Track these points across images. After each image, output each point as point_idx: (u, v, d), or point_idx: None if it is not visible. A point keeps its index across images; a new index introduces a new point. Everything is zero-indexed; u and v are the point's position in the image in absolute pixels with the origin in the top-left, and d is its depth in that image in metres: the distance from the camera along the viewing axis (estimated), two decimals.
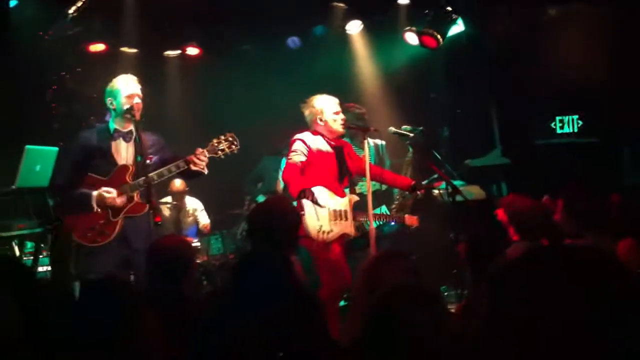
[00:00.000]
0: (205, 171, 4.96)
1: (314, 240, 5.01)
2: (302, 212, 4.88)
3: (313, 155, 5.22)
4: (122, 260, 4.81)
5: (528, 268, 2.26)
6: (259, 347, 2.54)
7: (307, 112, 5.37)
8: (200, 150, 4.90)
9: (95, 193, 4.79)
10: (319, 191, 5.09)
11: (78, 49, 7.63)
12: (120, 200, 4.81)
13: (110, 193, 4.79)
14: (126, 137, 4.96)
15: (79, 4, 6.39)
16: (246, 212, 7.02)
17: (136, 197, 4.88)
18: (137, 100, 4.90)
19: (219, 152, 4.97)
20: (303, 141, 5.22)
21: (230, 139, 5.02)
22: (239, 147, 5.03)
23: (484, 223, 4.32)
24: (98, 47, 7.73)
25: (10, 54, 6.87)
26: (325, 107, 5.32)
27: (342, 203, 5.27)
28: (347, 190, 5.42)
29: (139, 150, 4.84)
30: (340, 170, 5.34)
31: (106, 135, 4.96)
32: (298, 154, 5.17)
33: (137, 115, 4.88)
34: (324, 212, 5.07)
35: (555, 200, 4.05)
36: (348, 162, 5.41)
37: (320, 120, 5.29)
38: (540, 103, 7.04)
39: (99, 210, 4.81)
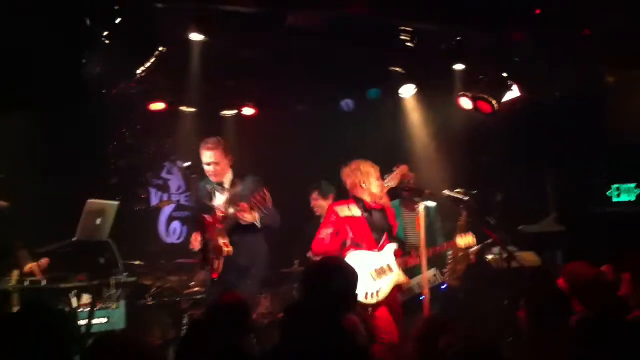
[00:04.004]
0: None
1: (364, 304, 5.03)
2: None
3: (341, 223, 5.38)
4: None
5: (595, 340, 2.23)
6: None
7: (347, 178, 5.57)
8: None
9: None
10: (352, 257, 5.17)
11: (139, 106, 7.87)
12: None
13: None
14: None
15: (148, 64, 6.61)
16: (296, 271, 7.03)
17: None
18: (207, 168, 5.79)
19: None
20: (334, 212, 5.41)
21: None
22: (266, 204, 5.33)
23: (545, 291, 4.24)
24: (158, 105, 7.96)
25: (76, 109, 7.13)
26: (366, 173, 5.50)
27: (383, 257, 5.33)
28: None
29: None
30: (377, 230, 5.44)
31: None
32: (327, 228, 5.37)
33: (214, 179, 5.81)
34: (364, 275, 5.10)
35: (619, 271, 3.97)
36: (390, 221, 5.51)
37: (362, 185, 5.46)
38: (597, 170, 6.96)
39: None
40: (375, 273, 5.26)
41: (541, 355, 3.33)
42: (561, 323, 3.32)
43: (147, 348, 2.90)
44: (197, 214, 5.87)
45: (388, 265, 5.33)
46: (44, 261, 5.38)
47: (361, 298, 5.05)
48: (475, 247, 5.87)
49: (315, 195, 7.11)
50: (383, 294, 5.23)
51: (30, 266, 5.32)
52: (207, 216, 5.73)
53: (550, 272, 4.47)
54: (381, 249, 5.39)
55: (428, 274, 5.54)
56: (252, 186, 5.69)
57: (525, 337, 3.94)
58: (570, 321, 3.45)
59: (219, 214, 5.67)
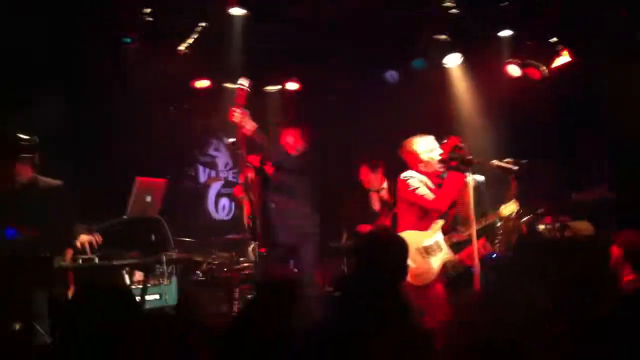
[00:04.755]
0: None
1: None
2: None
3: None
4: None
5: None
6: None
7: (406, 157, 5.50)
8: None
9: None
10: (408, 235, 5.09)
11: (184, 84, 7.91)
12: None
13: None
14: None
15: (190, 40, 6.63)
16: (343, 245, 7.02)
17: None
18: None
19: None
20: (416, 178, 5.34)
21: None
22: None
23: (594, 261, 4.15)
24: (203, 83, 7.99)
25: (122, 89, 7.22)
26: (421, 147, 5.44)
27: (430, 235, 5.29)
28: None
29: None
30: None
31: None
32: (424, 186, 5.29)
33: None
34: (414, 254, 5.05)
35: None
36: None
37: (420, 162, 5.41)
38: None
39: None
40: (424, 250, 5.22)
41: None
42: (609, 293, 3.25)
43: (196, 324, 2.92)
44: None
45: (437, 243, 5.29)
46: (99, 237, 5.44)
47: (411, 279, 5.00)
48: (527, 217, 5.74)
49: (365, 169, 7.05)
50: (433, 274, 5.19)
51: (83, 239, 5.37)
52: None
53: (604, 242, 4.34)
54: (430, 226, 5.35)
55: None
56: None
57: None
58: (623, 289, 3.37)
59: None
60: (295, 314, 3.92)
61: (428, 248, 5.25)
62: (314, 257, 5.96)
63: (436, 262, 5.24)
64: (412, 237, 5.13)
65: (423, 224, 5.34)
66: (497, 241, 5.98)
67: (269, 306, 3.71)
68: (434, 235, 5.32)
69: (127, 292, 3.11)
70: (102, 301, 2.93)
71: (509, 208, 5.53)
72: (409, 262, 4.95)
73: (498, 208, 5.86)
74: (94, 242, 5.34)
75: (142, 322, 3.22)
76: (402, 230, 5.25)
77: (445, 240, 5.33)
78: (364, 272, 3.86)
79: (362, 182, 7.10)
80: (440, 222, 5.38)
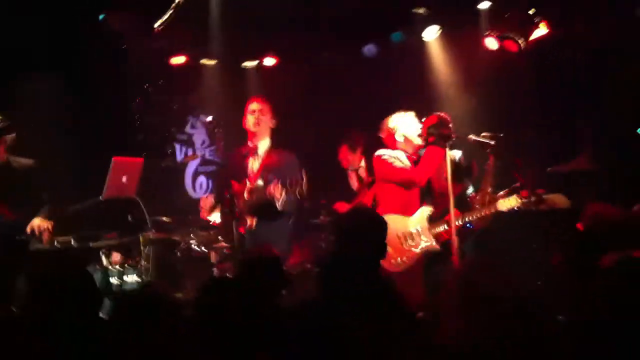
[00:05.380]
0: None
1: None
2: None
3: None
4: None
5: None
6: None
7: (385, 135, 5.50)
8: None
9: None
10: (391, 220, 5.05)
11: (160, 61, 7.81)
12: None
13: None
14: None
15: (166, 17, 6.53)
16: (323, 222, 7.01)
17: None
18: (250, 117, 5.80)
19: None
20: (393, 155, 5.32)
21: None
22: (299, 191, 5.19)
23: (576, 234, 4.17)
24: (179, 59, 7.89)
25: (96, 66, 7.11)
26: (401, 124, 5.43)
27: (415, 221, 5.27)
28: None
29: None
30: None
31: None
32: (400, 161, 5.25)
33: (252, 128, 5.80)
34: (393, 241, 5.04)
35: None
36: None
37: (399, 138, 5.40)
38: (631, 107, 6.74)
39: None
40: (402, 237, 5.21)
41: (574, 296, 3.28)
42: (593, 264, 3.26)
43: (172, 303, 2.91)
44: (222, 174, 5.85)
45: (418, 232, 5.28)
46: (50, 225, 5.28)
47: (387, 265, 4.99)
48: (503, 191, 5.74)
49: (344, 148, 7.03)
50: (411, 261, 5.20)
51: (34, 224, 5.16)
52: (235, 182, 5.66)
53: (580, 214, 4.36)
54: (416, 209, 5.34)
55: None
56: (291, 166, 5.57)
57: (558, 280, 3.90)
58: (604, 261, 3.38)
59: (248, 182, 5.59)
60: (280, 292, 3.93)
61: (408, 235, 5.23)
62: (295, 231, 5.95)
63: (415, 250, 5.24)
64: (393, 223, 5.06)
65: (404, 204, 5.32)
66: (472, 213, 5.99)
67: (253, 283, 3.71)
68: (418, 224, 5.29)
69: (86, 275, 3.08)
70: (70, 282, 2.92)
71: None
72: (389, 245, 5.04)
73: (477, 184, 5.88)
74: (45, 229, 5.16)
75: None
76: (383, 213, 5.20)
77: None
78: (344, 249, 3.86)
79: (341, 161, 7.09)
80: (428, 210, 5.34)
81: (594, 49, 6.84)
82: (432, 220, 5.36)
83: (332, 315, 2.80)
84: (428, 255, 5.33)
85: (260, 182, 5.50)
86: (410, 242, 5.22)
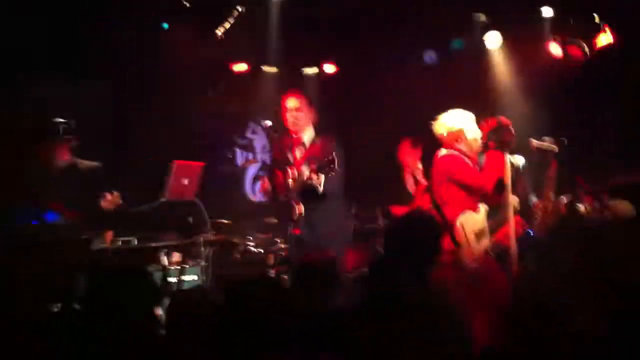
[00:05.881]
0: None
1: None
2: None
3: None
4: None
5: None
6: None
7: (443, 132, 5.24)
8: None
9: None
10: (466, 221, 5.02)
11: (223, 67, 7.95)
12: None
13: None
14: None
15: (226, 25, 6.65)
16: (380, 227, 7.00)
17: None
18: (288, 115, 5.79)
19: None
20: (458, 156, 5.17)
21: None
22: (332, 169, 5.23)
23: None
24: (241, 66, 8.03)
25: (161, 74, 7.30)
26: (465, 124, 5.22)
27: (481, 219, 5.16)
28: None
29: None
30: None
31: None
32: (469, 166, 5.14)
33: (292, 128, 5.81)
34: (473, 240, 5.01)
35: None
36: None
37: (461, 140, 5.18)
38: None
39: None
40: (477, 236, 5.09)
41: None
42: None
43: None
44: (272, 167, 5.89)
45: (485, 228, 5.16)
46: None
47: (469, 262, 4.95)
48: (566, 198, 5.62)
49: (405, 145, 6.94)
50: (481, 259, 5.11)
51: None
52: (280, 173, 5.70)
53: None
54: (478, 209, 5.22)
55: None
56: (327, 150, 5.53)
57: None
58: None
59: (294, 171, 5.63)
60: (333, 297, 3.93)
61: (480, 232, 5.10)
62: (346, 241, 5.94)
63: (483, 247, 5.12)
64: (470, 220, 5.05)
65: (473, 203, 5.16)
66: (534, 221, 5.89)
67: (306, 289, 3.72)
68: (484, 220, 5.17)
69: (147, 274, 3.15)
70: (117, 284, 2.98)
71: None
72: (468, 243, 4.95)
73: (539, 190, 5.75)
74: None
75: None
76: (458, 212, 5.09)
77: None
78: (395, 253, 3.83)
79: (401, 162, 6.99)
80: (485, 207, 5.26)
81: None
82: (489, 216, 5.26)
83: (371, 320, 2.79)
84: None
85: (305, 170, 5.49)
86: (483, 239, 5.10)
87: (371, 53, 8.02)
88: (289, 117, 5.77)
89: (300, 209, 5.49)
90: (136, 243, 5.63)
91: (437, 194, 5.25)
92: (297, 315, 3.35)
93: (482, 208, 5.20)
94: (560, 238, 5.70)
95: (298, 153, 5.80)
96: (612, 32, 6.50)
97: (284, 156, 5.80)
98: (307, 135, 5.82)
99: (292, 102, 5.77)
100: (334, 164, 5.19)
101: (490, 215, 5.23)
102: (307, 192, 5.47)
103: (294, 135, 5.81)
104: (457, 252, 4.97)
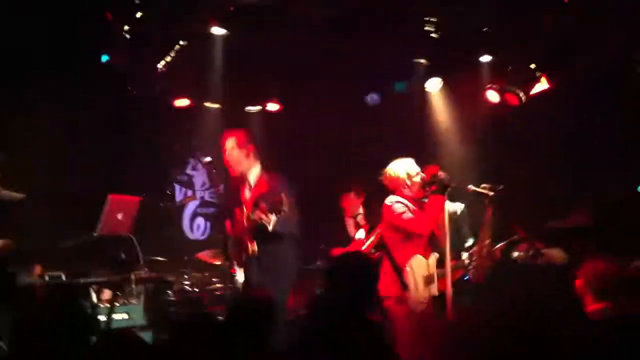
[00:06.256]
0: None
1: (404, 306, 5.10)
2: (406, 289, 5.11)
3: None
4: None
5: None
6: None
7: (387, 181, 5.49)
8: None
9: None
10: (415, 265, 5.21)
11: (164, 102, 7.86)
12: None
13: None
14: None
15: (168, 58, 6.59)
16: (318, 268, 6.96)
17: None
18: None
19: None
20: (402, 203, 5.32)
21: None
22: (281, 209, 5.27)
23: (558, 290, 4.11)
24: (183, 102, 7.94)
25: (98, 107, 7.16)
26: (407, 171, 5.44)
27: (431, 265, 5.35)
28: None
29: None
30: None
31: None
32: (409, 210, 5.29)
33: (230, 172, 5.85)
34: (421, 284, 5.22)
35: None
36: None
37: (403, 186, 5.41)
38: (623, 162, 6.75)
39: None
40: (425, 280, 5.27)
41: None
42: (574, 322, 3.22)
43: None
44: (223, 207, 5.83)
45: (432, 274, 5.34)
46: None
47: (416, 304, 5.13)
48: (501, 243, 5.71)
49: (350, 196, 7.03)
50: (425, 303, 5.24)
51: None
52: (237, 210, 5.70)
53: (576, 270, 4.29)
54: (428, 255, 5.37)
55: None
56: (275, 188, 5.59)
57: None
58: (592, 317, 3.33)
59: (245, 211, 5.62)
60: (270, 337, 3.85)
61: (428, 277, 5.29)
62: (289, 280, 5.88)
63: (429, 291, 5.30)
64: (420, 264, 5.25)
65: (417, 250, 5.33)
66: (470, 267, 5.95)
67: (243, 327, 3.64)
68: (434, 267, 5.36)
69: (84, 311, 3.05)
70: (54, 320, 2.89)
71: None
72: (416, 288, 5.06)
73: (476, 235, 5.84)
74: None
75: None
76: (399, 257, 5.26)
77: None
78: (333, 294, 3.79)
79: (344, 209, 7.08)
80: (435, 256, 5.39)
81: (592, 106, 6.89)
82: (440, 265, 5.38)
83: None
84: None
85: (255, 209, 5.52)
86: (431, 284, 5.27)
87: (315, 93, 8.06)
88: (229, 158, 5.78)
89: (253, 247, 5.47)
90: (65, 278, 5.43)
91: (386, 239, 5.47)
92: (233, 355, 3.29)
93: (434, 256, 5.38)
94: (494, 283, 5.78)
95: (247, 192, 5.77)
96: (548, 79, 6.70)
97: (235, 196, 5.81)
98: (253, 174, 5.81)
99: (229, 143, 5.79)
100: (281, 204, 5.21)
101: (440, 263, 5.36)
102: (258, 231, 5.48)
103: (239, 175, 5.79)
104: (405, 294, 5.15)
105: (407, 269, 5.17)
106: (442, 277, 5.30)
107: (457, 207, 6.05)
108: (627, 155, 6.74)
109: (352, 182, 7.16)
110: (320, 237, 7.00)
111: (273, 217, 5.33)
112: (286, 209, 5.24)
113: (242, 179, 5.81)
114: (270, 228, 5.36)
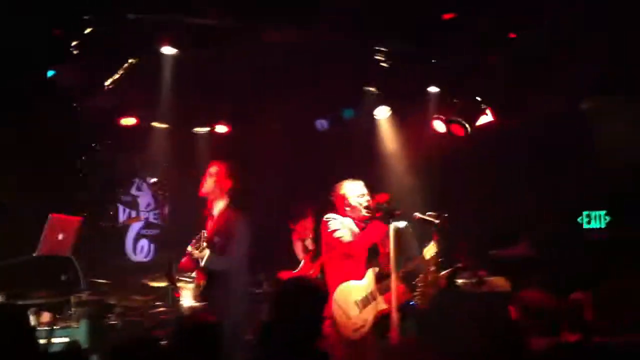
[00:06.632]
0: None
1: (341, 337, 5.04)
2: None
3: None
4: None
5: None
6: None
7: (334, 199, 5.54)
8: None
9: None
10: (340, 293, 5.15)
11: (110, 121, 7.73)
12: None
13: None
14: None
15: (116, 76, 6.50)
16: (264, 291, 6.92)
17: None
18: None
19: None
20: (338, 221, 5.35)
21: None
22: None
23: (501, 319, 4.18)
24: (129, 120, 7.82)
25: (44, 122, 6.98)
26: (350, 192, 5.47)
27: (366, 285, 5.28)
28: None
29: None
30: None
31: None
32: (345, 228, 5.29)
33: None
34: (353, 311, 5.14)
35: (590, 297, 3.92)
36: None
37: (348, 205, 5.43)
38: (569, 196, 6.96)
39: None
40: (361, 303, 5.21)
41: None
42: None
43: None
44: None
45: (371, 293, 5.29)
46: None
47: (348, 334, 5.06)
48: (446, 271, 5.79)
49: (302, 221, 7.00)
50: (369, 326, 5.17)
51: None
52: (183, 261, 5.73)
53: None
54: (363, 275, 5.34)
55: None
56: (229, 226, 5.66)
57: None
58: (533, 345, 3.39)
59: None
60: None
61: (364, 300, 5.24)
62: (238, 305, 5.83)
63: (371, 313, 5.24)
64: (349, 290, 5.20)
65: (353, 270, 5.32)
66: (416, 293, 5.99)
67: (186, 352, 3.58)
68: (369, 287, 5.31)
69: (21, 333, 2.95)
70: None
71: (431, 250, 5.53)
72: (346, 316, 5.02)
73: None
74: None
75: None
76: (331, 279, 5.24)
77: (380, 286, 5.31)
78: (279, 321, 3.76)
79: (294, 232, 7.05)
80: (374, 271, 5.37)
81: (537, 139, 7.10)
82: (380, 278, 5.34)
83: None
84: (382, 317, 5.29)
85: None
86: (366, 306, 5.22)
87: (264, 116, 8.06)
88: (206, 182, 5.82)
89: (202, 282, 5.57)
90: (1, 299, 5.24)
91: (324, 258, 5.51)
92: None
93: (370, 272, 5.34)
94: (439, 309, 5.83)
95: (210, 224, 5.78)
96: (492, 112, 6.87)
97: (205, 226, 5.81)
98: (217, 206, 5.82)
99: (213, 168, 5.85)
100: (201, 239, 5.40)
101: (379, 278, 5.34)
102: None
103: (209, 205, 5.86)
104: (334, 324, 5.10)
105: (332, 300, 5.10)
106: (386, 291, 5.30)
107: (401, 224, 6.10)
108: (568, 188, 6.95)
109: (301, 206, 7.16)
110: (267, 261, 6.95)
111: (206, 252, 5.39)
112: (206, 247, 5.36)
113: (208, 211, 5.85)
114: (202, 263, 5.41)
